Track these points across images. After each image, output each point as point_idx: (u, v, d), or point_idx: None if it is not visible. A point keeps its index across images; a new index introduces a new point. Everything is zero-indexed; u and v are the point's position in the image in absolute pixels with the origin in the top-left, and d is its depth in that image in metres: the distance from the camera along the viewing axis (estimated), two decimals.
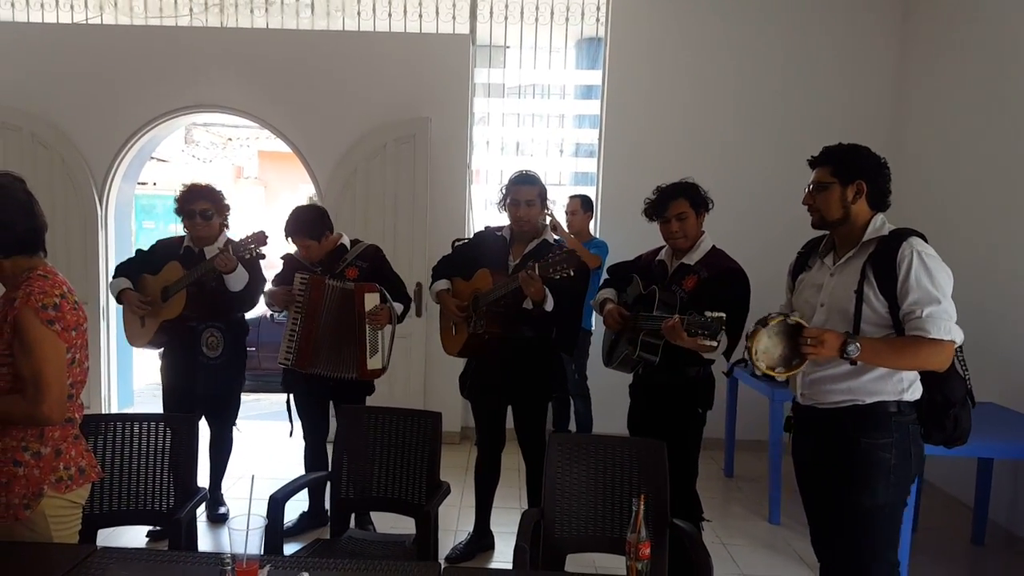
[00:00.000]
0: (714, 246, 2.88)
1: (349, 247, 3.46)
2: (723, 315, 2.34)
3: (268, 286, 3.53)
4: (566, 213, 4.71)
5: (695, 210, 2.82)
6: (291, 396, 3.55)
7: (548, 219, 4.55)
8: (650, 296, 2.80)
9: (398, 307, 3.37)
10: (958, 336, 2.01)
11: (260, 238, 3.28)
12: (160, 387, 3.66)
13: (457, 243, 3.48)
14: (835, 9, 5.07)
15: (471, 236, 3.49)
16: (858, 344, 1.97)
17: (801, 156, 5.46)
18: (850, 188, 2.13)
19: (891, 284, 2.03)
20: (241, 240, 3.30)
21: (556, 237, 3.30)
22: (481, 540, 3.45)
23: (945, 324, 1.98)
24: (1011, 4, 3.99)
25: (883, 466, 2.08)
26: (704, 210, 2.86)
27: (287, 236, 3.35)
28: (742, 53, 5.10)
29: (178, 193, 3.49)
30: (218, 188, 3.58)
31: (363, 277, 3.35)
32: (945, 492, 4.21)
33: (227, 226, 3.57)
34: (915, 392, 2.12)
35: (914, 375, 2.12)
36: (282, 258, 3.54)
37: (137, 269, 3.52)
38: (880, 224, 2.15)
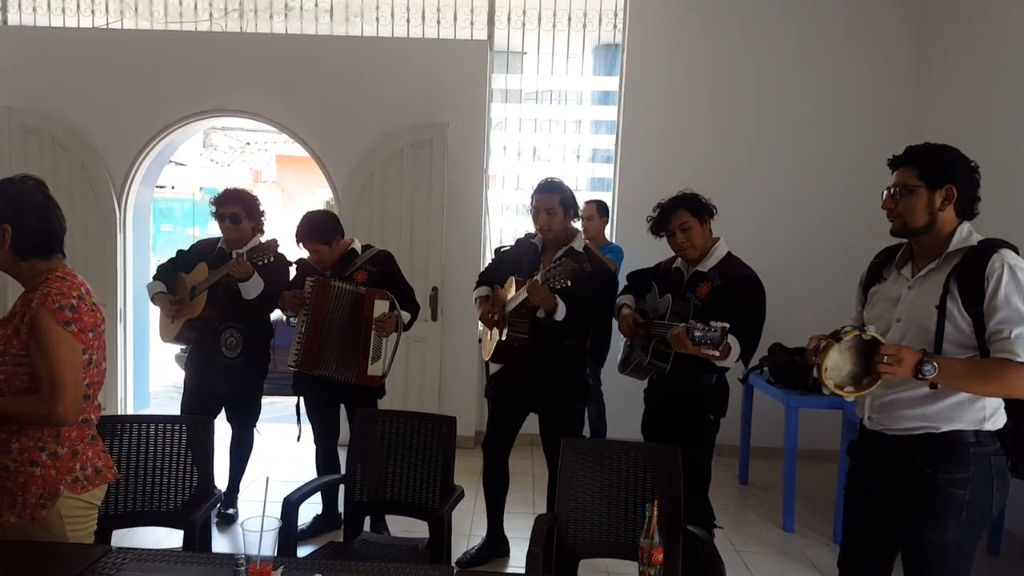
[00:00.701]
0: (729, 252, 2.86)
1: (360, 252, 3.48)
2: (726, 325, 2.34)
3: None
4: (582, 218, 4.68)
5: (698, 219, 2.80)
6: (301, 399, 3.57)
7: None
8: (664, 303, 2.80)
9: (405, 315, 3.39)
10: None
11: (271, 246, 3.37)
12: (181, 388, 3.74)
13: (500, 250, 3.50)
14: (854, 13, 5.03)
15: (512, 243, 3.51)
16: (935, 364, 1.79)
17: (819, 162, 5.48)
18: (938, 193, 1.93)
19: (977, 300, 1.84)
20: (255, 248, 3.39)
21: (585, 246, 3.24)
22: (495, 546, 3.43)
23: None
24: None
25: (956, 502, 1.89)
26: (708, 217, 2.84)
27: (298, 241, 3.38)
28: (759, 59, 5.07)
29: (214, 196, 3.63)
30: (253, 194, 3.68)
31: (372, 282, 3.37)
32: None
33: (262, 231, 3.65)
34: (997, 421, 1.92)
35: (997, 402, 1.92)
36: (295, 263, 3.57)
37: (175, 270, 3.67)
38: (967, 234, 1.95)
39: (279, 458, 4.82)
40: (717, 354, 2.43)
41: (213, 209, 3.58)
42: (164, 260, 3.77)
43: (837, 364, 1.87)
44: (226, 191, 3.61)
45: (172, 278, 3.64)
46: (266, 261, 3.35)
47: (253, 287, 3.43)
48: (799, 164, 5.10)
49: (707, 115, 5.11)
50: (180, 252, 3.76)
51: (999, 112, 4.17)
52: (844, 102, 5.07)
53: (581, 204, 4.82)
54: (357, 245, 3.50)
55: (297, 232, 3.37)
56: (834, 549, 3.62)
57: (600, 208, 4.71)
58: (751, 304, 2.72)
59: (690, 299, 2.77)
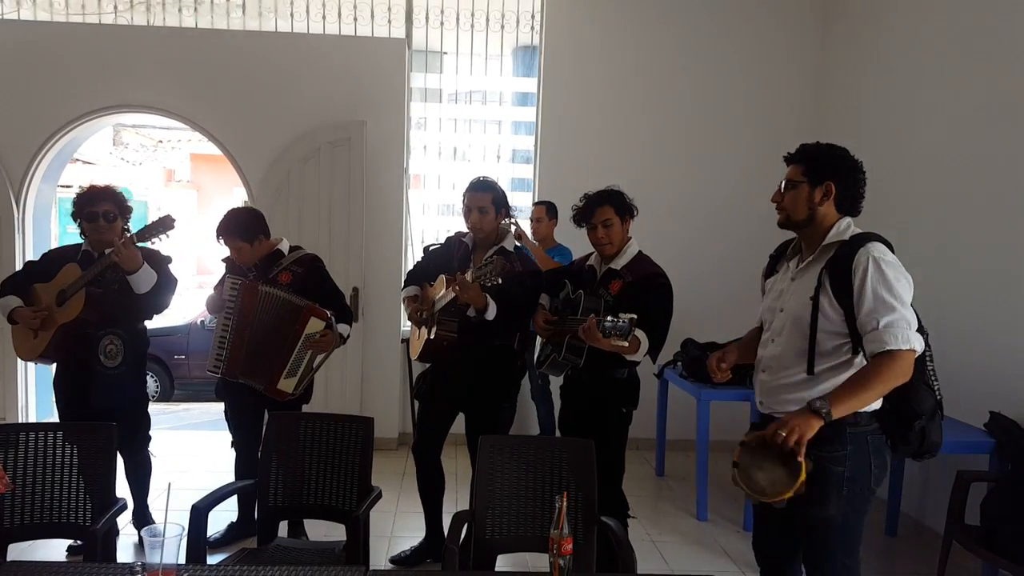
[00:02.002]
0: (640, 251, 2.95)
1: (286, 253, 3.36)
2: (634, 316, 2.41)
3: (210, 292, 3.42)
4: (531, 220, 4.71)
5: (620, 217, 2.88)
6: (225, 405, 3.45)
7: (514, 229, 4.57)
8: (577, 300, 2.86)
9: (344, 329, 3.29)
10: (918, 344, 1.92)
11: (167, 222, 3.11)
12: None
13: (430, 248, 3.46)
14: (757, 17, 5.25)
15: (442, 241, 3.47)
16: (825, 402, 1.89)
17: (724, 159, 5.67)
18: (819, 189, 2.06)
19: (847, 292, 1.95)
20: (146, 226, 3.11)
21: (517, 244, 3.24)
22: (434, 549, 3.34)
23: (903, 333, 1.90)
24: (925, 5, 4.19)
25: (834, 479, 2.01)
26: (629, 216, 2.93)
27: (218, 236, 3.25)
28: (669, 59, 5.23)
29: (76, 196, 3.27)
30: (119, 189, 3.39)
31: (296, 283, 3.26)
32: None
33: (128, 229, 3.33)
34: (873, 403, 2.03)
35: None
36: (223, 260, 3.40)
37: (25, 282, 3.27)
38: (844, 228, 2.07)
39: (193, 466, 4.67)
40: (626, 344, 2.49)
41: (77, 209, 3.22)
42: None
43: (771, 477, 1.91)
44: (94, 188, 3.27)
45: (26, 291, 3.23)
46: (163, 238, 3.10)
47: (145, 279, 3.15)
48: (708, 162, 5.28)
49: (621, 116, 5.24)
50: (30, 263, 3.42)
51: (897, 107, 4.40)
52: (752, 100, 5.28)
53: (529, 206, 4.86)
54: (284, 246, 3.38)
55: (218, 228, 3.23)
56: (744, 536, 3.80)
57: (550, 210, 4.71)
58: (659, 301, 2.81)
59: (603, 295, 2.84)
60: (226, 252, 3.32)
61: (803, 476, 1.87)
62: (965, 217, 3.78)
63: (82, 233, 3.30)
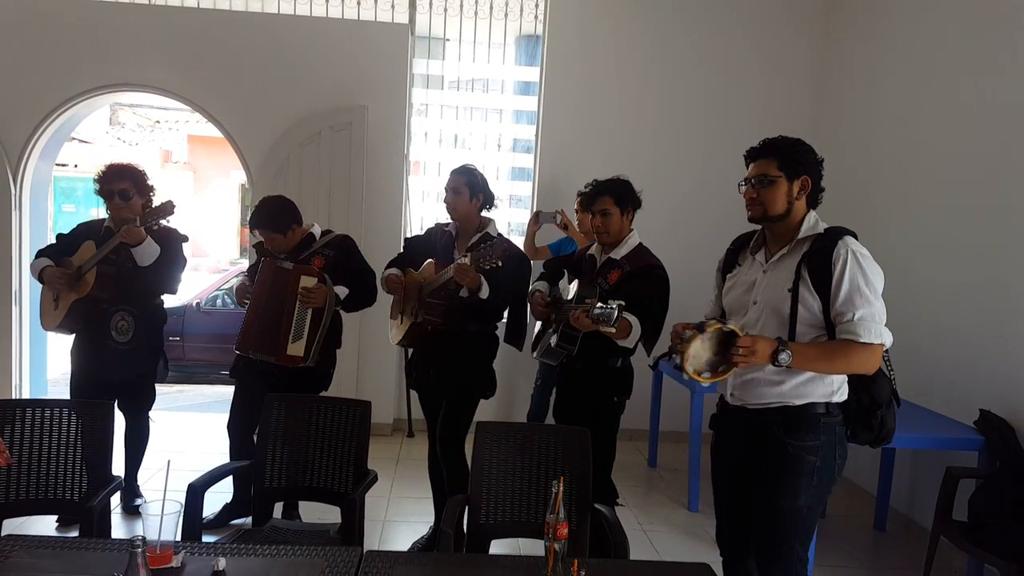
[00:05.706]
0: (640, 243, 2.98)
1: (318, 237, 3.38)
2: (622, 303, 2.43)
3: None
4: (576, 211, 4.69)
5: (620, 207, 2.89)
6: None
7: (559, 218, 4.55)
8: (574, 289, 2.89)
9: (342, 291, 3.27)
10: (887, 339, 2.01)
11: (167, 208, 3.21)
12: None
13: (411, 238, 3.50)
14: (760, 11, 5.25)
15: (423, 231, 3.48)
16: (790, 352, 1.95)
17: (725, 153, 5.64)
18: (796, 183, 2.10)
19: (825, 283, 2.01)
20: (150, 210, 3.24)
21: (499, 232, 3.24)
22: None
23: (876, 328, 1.99)
24: (928, 6, 4.20)
25: (808, 468, 2.07)
26: (631, 208, 2.94)
27: (252, 228, 3.29)
28: (672, 53, 5.22)
29: (98, 173, 3.42)
30: (141, 168, 3.50)
31: (329, 266, 3.28)
32: (851, 481, 4.44)
33: (150, 204, 3.46)
34: (843, 394, 2.13)
35: (842, 378, 2.12)
36: (254, 246, 3.45)
37: (57, 252, 3.44)
38: (814, 222, 2.13)
39: (187, 447, 4.68)
40: (613, 331, 2.51)
41: (98, 187, 3.40)
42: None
43: (698, 352, 1.99)
44: (112, 166, 3.42)
45: (57, 261, 3.41)
46: (163, 223, 3.23)
47: (147, 252, 3.28)
48: (708, 154, 5.25)
49: (623, 106, 5.23)
50: (60, 235, 3.55)
51: (897, 103, 4.41)
52: (749, 94, 5.27)
53: (528, 195, 4.75)
54: (316, 230, 3.40)
55: (250, 220, 3.27)
56: None
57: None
58: (655, 292, 2.85)
59: (600, 284, 2.87)
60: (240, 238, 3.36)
61: (717, 379, 2.04)
62: (959, 216, 3.80)
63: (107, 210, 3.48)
